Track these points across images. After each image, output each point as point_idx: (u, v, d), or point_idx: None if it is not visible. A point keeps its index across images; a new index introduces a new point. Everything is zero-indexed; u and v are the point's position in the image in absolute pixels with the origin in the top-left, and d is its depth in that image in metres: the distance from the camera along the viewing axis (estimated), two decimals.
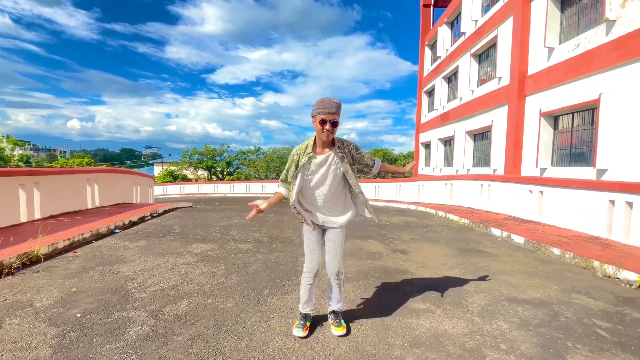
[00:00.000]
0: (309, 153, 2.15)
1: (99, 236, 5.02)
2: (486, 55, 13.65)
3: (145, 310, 2.57)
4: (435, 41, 19.12)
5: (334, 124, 2.07)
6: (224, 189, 25.42)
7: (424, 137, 20.97)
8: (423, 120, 21.29)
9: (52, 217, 6.08)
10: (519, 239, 5.44)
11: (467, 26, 14.48)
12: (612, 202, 5.28)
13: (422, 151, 21.64)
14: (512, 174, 10.53)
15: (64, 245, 4.25)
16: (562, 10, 9.39)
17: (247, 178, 34.25)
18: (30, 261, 3.60)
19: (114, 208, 7.68)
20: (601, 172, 7.51)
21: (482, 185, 9.28)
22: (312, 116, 2.11)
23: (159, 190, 24.34)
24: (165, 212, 8.12)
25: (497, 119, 12.06)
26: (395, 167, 2.60)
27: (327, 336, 2.28)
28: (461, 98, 15.19)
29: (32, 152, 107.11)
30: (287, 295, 2.95)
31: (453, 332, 2.37)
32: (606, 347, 2.20)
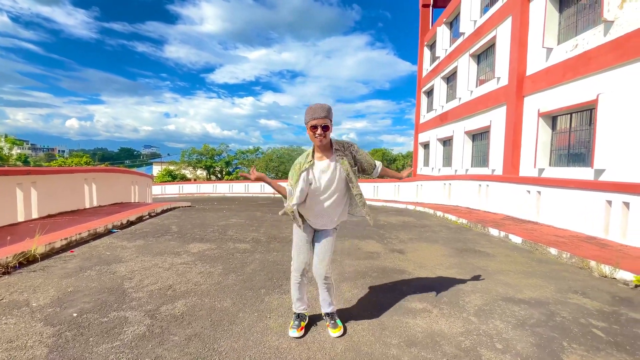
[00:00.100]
0: (310, 161, 2.16)
1: (96, 236, 5.02)
2: (485, 55, 13.67)
3: (142, 309, 2.57)
4: (435, 41, 19.12)
5: (325, 128, 2.08)
6: (223, 188, 25.39)
7: (422, 137, 20.99)
8: (422, 121, 21.31)
9: (49, 216, 6.07)
10: (516, 239, 5.45)
11: (466, 26, 14.49)
12: (609, 202, 5.29)
13: (421, 151, 21.66)
14: (511, 174, 10.55)
15: (61, 245, 4.24)
16: (560, 11, 9.41)
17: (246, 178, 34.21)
18: (27, 260, 3.59)
19: (112, 207, 7.67)
20: (599, 172, 7.53)
21: (480, 185, 9.30)
22: (305, 124, 2.12)
23: (157, 189, 24.30)
24: (163, 211, 8.11)
25: (496, 119, 12.08)
26: (394, 172, 2.61)
27: (324, 335, 2.28)
28: (460, 98, 15.21)
29: (31, 152, 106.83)
30: (285, 294, 2.95)
31: (449, 331, 2.37)
32: (602, 346, 2.21)
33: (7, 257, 3.36)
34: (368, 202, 2.41)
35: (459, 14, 15.64)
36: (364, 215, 2.35)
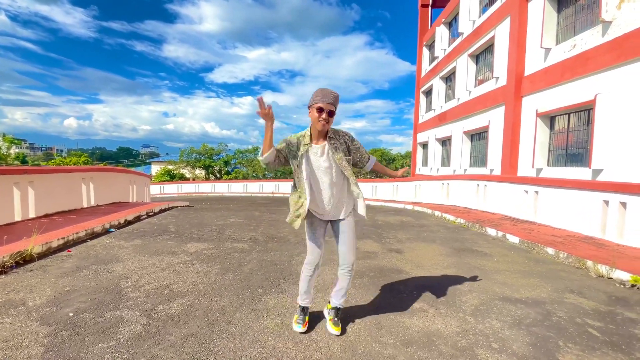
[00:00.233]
0: (307, 144, 2.15)
1: (93, 235, 5.01)
2: (483, 55, 13.69)
3: (139, 309, 2.57)
4: (433, 41, 19.15)
5: (331, 114, 2.07)
6: (222, 188, 25.36)
7: (421, 137, 21.01)
8: (421, 120, 21.34)
9: (46, 215, 6.05)
10: (513, 239, 5.46)
11: (465, 26, 14.51)
12: (607, 202, 5.31)
13: (419, 151, 21.69)
14: (509, 174, 10.57)
15: (58, 244, 4.23)
16: (558, 11, 9.43)
17: (245, 177, 34.19)
18: (23, 260, 3.58)
19: (110, 207, 7.65)
20: (597, 172, 7.55)
21: (478, 185, 9.31)
22: (309, 106, 2.11)
23: (156, 189, 24.26)
24: (161, 211, 8.10)
25: (494, 119, 12.10)
26: (388, 170, 2.60)
27: (320, 335, 2.28)
28: (458, 98, 15.23)
29: (29, 151, 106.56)
30: (282, 294, 2.95)
31: (446, 331, 2.38)
32: (597, 346, 2.22)
33: (3, 257, 3.35)
34: (367, 202, 2.41)
35: (457, 14, 15.66)
36: (359, 210, 2.34)
